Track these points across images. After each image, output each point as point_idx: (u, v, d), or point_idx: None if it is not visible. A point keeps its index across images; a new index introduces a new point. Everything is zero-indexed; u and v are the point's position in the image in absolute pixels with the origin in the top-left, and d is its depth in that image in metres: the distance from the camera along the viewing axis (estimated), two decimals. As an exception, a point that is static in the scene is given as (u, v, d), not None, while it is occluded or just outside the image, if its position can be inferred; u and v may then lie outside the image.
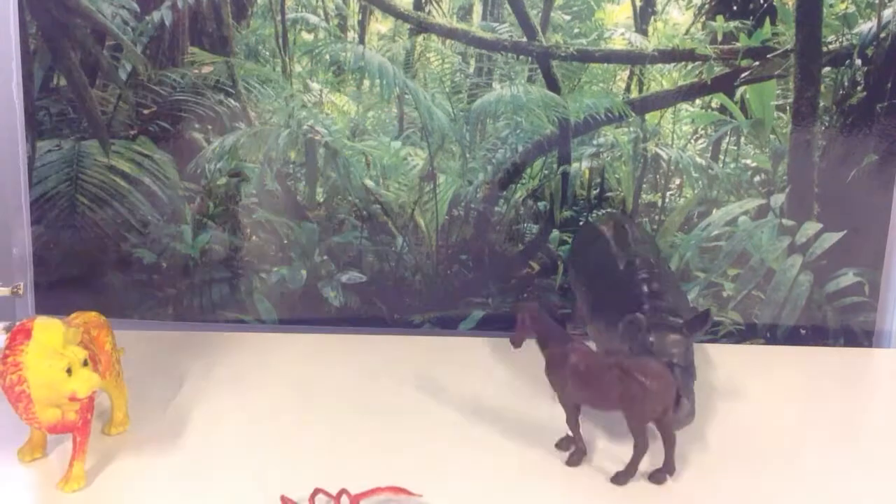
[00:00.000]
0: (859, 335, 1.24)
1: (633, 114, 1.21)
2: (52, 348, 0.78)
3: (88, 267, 1.26)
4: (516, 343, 0.91)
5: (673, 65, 1.19)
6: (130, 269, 1.27)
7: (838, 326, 1.24)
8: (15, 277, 1.27)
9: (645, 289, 0.94)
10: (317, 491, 0.80)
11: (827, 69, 1.18)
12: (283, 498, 0.80)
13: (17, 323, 0.80)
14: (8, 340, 0.79)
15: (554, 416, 0.95)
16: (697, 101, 1.20)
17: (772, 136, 1.21)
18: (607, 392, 0.84)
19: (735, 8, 1.18)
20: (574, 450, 0.89)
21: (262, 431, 0.95)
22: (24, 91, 1.22)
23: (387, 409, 1.00)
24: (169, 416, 0.98)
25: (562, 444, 0.92)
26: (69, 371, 0.78)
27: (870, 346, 1.24)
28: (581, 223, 1.24)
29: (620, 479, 0.86)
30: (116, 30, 1.21)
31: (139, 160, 1.24)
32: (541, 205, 1.24)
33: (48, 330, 0.78)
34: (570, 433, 0.89)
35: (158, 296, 1.27)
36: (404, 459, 0.89)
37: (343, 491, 0.80)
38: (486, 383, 1.07)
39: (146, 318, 1.27)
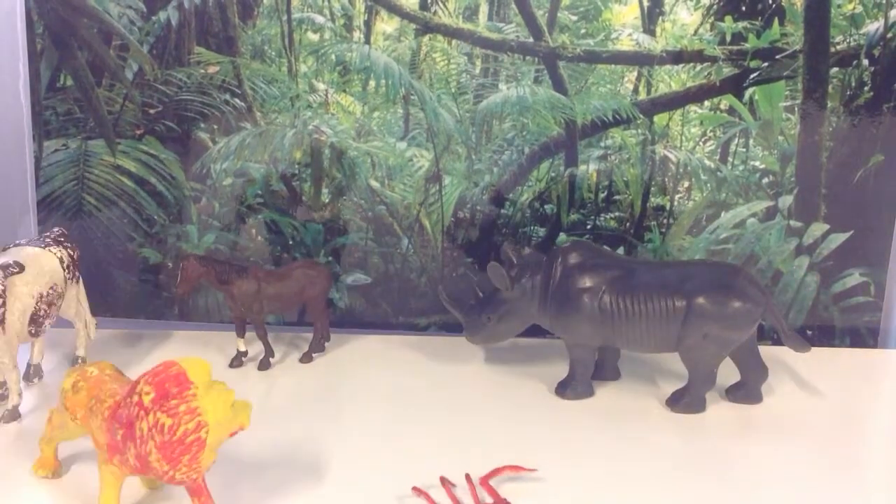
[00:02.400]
0: (865, 335, 1.24)
1: (641, 116, 1.20)
2: (216, 385, 0.73)
3: (95, 266, 1.26)
4: (180, 294, 1.07)
5: (681, 66, 1.19)
6: (136, 268, 1.27)
7: (844, 327, 1.24)
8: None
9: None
10: (443, 479, 0.84)
11: (834, 70, 1.18)
12: (414, 488, 0.83)
13: (149, 374, 0.74)
14: (156, 392, 0.72)
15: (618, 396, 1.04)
16: (706, 103, 1.20)
17: (780, 138, 1.21)
18: (295, 291, 1.11)
19: (743, 9, 1.17)
20: (263, 356, 1.12)
21: (356, 429, 0.97)
22: (30, 91, 1.22)
23: (451, 405, 1.04)
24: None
25: (234, 362, 1.12)
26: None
27: (875, 346, 1.24)
28: (588, 226, 1.24)
29: (305, 358, 1.14)
30: (123, 29, 1.21)
31: (145, 160, 1.24)
32: (548, 208, 1.24)
33: (199, 367, 0.73)
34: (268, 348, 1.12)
35: (164, 296, 1.27)
36: (496, 446, 0.93)
37: (468, 476, 0.84)
38: (525, 377, 1.11)
39: (152, 318, 1.27)
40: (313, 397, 1.05)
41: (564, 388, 1.05)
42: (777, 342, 1.25)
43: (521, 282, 1.05)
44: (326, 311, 1.16)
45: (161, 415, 0.71)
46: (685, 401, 1.02)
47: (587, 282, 1.01)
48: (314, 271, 1.13)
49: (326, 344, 1.18)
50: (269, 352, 1.13)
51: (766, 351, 1.22)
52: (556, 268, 1.03)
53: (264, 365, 1.12)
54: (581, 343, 1.03)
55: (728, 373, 1.04)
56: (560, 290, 1.02)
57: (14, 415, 0.96)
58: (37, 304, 0.97)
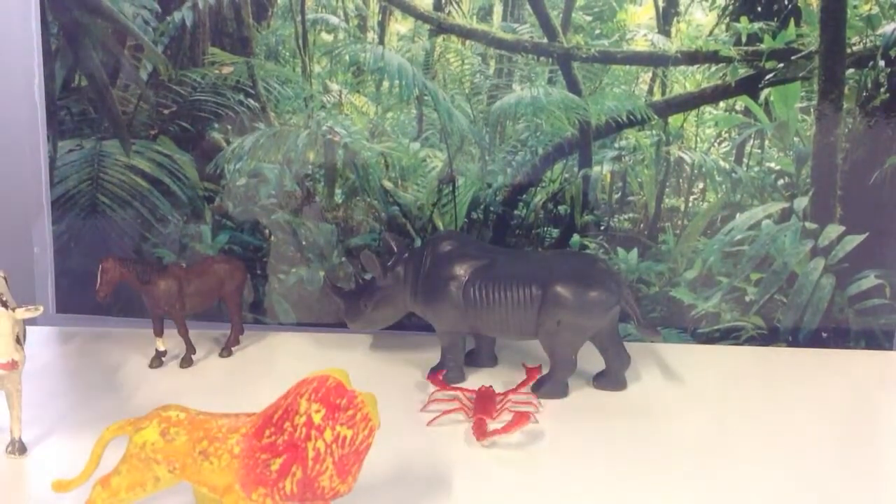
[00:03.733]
0: (880, 337, 1.24)
1: (656, 116, 1.20)
2: (361, 390, 0.73)
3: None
4: (101, 297, 1.06)
5: (696, 67, 1.18)
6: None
7: (859, 329, 1.24)
8: (36, 276, 1.28)
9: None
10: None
11: (850, 71, 1.17)
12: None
13: (306, 393, 0.72)
14: (326, 408, 0.70)
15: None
16: (721, 104, 1.19)
17: (795, 139, 1.20)
18: (214, 287, 1.12)
19: (759, 9, 1.17)
20: (185, 353, 1.13)
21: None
22: (45, 91, 1.23)
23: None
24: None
25: (154, 362, 1.12)
26: None
27: (891, 348, 1.23)
28: (602, 227, 1.23)
29: (225, 353, 1.16)
30: (137, 30, 1.21)
31: (159, 160, 1.25)
32: (561, 209, 1.24)
33: (343, 374, 0.73)
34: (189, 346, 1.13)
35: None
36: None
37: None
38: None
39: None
40: (240, 391, 1.06)
41: (436, 373, 1.06)
42: (793, 343, 1.25)
43: (394, 270, 1.09)
44: (241, 304, 1.17)
45: (340, 427, 0.70)
46: (547, 386, 1.05)
47: (453, 270, 1.05)
48: (231, 265, 1.14)
49: (242, 337, 1.19)
50: (191, 349, 1.13)
51: (781, 353, 1.22)
52: (426, 257, 1.07)
53: (186, 362, 1.13)
54: (449, 330, 1.07)
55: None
56: (428, 279, 1.06)
57: None
58: None
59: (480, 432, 0.92)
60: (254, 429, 0.72)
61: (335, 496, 0.72)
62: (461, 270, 1.05)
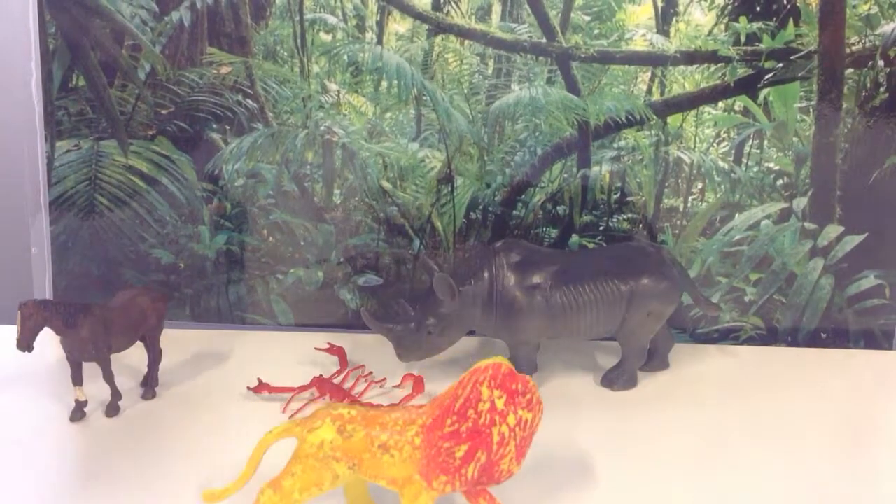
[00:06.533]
0: (879, 338, 1.23)
1: (655, 116, 1.20)
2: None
3: (107, 266, 1.27)
4: (23, 347, 0.93)
5: (695, 66, 1.18)
6: (148, 269, 1.27)
7: (859, 329, 1.24)
8: (34, 276, 1.28)
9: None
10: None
11: (849, 70, 1.17)
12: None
13: (483, 380, 0.73)
14: (506, 394, 0.73)
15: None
16: (720, 104, 1.19)
17: (794, 139, 1.20)
18: (138, 322, 1.01)
19: (758, 9, 1.16)
20: (111, 400, 1.01)
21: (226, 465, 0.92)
22: (43, 91, 1.22)
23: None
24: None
25: (75, 415, 1.00)
26: None
27: (890, 348, 1.23)
28: (601, 227, 1.23)
29: (148, 394, 1.05)
30: (135, 30, 1.21)
31: (157, 160, 1.25)
32: (560, 209, 1.23)
33: (506, 360, 0.75)
34: (112, 389, 1.02)
35: (176, 296, 1.27)
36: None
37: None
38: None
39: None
40: (169, 435, 0.96)
41: None
42: (793, 343, 1.24)
43: (462, 290, 1.03)
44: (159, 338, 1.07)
45: (522, 411, 0.73)
46: (623, 378, 1.08)
47: (533, 280, 1.03)
48: (152, 297, 1.04)
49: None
50: (117, 394, 1.02)
51: (780, 353, 1.22)
52: (498, 270, 1.04)
53: (113, 410, 1.01)
54: (529, 340, 1.06)
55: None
56: (507, 292, 1.03)
57: None
58: None
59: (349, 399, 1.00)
60: (432, 419, 0.73)
61: (508, 477, 0.75)
62: (541, 278, 1.03)
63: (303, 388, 1.03)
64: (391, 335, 1.05)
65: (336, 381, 1.06)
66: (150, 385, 1.06)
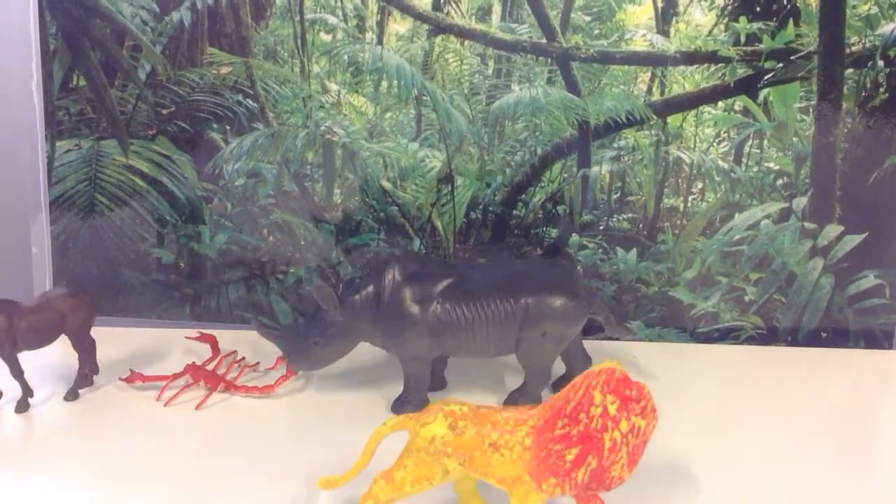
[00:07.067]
0: (879, 337, 1.24)
1: (655, 116, 1.20)
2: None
3: (107, 266, 1.27)
4: None
5: (695, 67, 1.18)
6: (148, 268, 1.27)
7: (859, 329, 1.24)
8: (35, 276, 1.28)
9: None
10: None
11: (849, 71, 1.17)
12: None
13: (597, 385, 0.73)
14: (619, 399, 0.72)
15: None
16: (720, 104, 1.19)
17: (794, 139, 1.20)
18: (53, 323, 1.00)
19: (758, 9, 1.17)
20: (21, 396, 1.01)
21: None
22: (43, 91, 1.22)
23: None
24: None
25: (68, 396, 1.03)
26: None
27: (890, 347, 1.24)
28: (601, 227, 1.23)
29: (70, 395, 1.03)
30: (136, 30, 1.21)
31: (158, 160, 1.25)
32: (560, 209, 1.23)
33: (620, 366, 0.74)
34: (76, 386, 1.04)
35: (176, 296, 1.27)
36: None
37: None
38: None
39: (164, 318, 1.27)
40: (78, 437, 0.95)
41: (402, 405, 1.01)
42: (793, 343, 1.25)
43: (350, 301, 0.99)
44: (91, 342, 1.06)
45: (635, 418, 0.72)
46: (523, 401, 1.01)
47: (421, 292, 0.97)
48: (75, 300, 1.03)
49: (96, 377, 1.08)
50: (27, 391, 1.01)
51: (780, 353, 1.22)
52: (386, 281, 0.98)
53: (22, 406, 1.01)
54: (418, 356, 0.99)
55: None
56: (393, 304, 0.97)
57: None
58: None
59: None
60: (543, 421, 0.73)
61: (619, 484, 0.74)
62: (430, 290, 0.97)
63: (176, 376, 1.05)
64: (280, 344, 1.02)
65: (210, 367, 1.08)
66: (73, 387, 1.05)
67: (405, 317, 0.97)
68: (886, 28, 1.15)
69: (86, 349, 1.05)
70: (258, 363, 1.12)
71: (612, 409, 0.71)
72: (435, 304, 0.97)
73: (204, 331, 1.15)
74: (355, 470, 0.76)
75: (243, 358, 1.12)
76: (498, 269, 1.01)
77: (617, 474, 0.73)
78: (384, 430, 0.75)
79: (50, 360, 1.12)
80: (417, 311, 0.97)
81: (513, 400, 1.02)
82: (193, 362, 1.07)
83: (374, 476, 0.74)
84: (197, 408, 1.01)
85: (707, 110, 1.20)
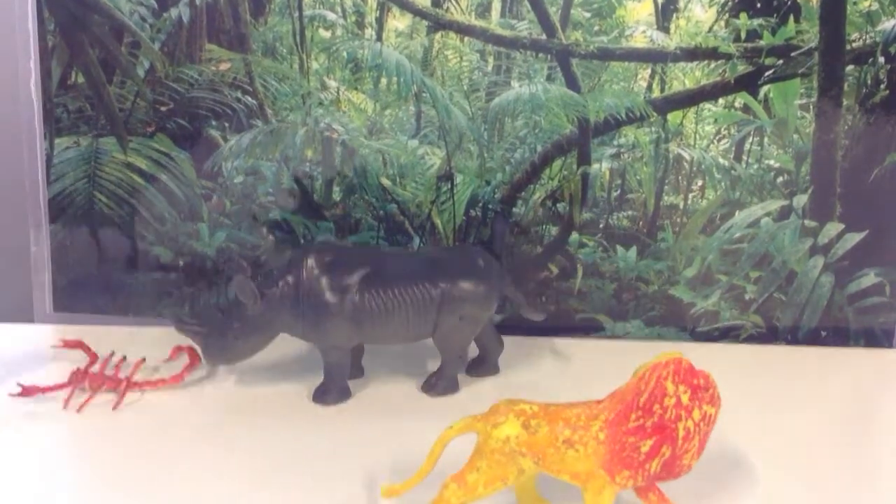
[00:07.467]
0: (880, 336, 1.23)
1: (655, 113, 1.20)
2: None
3: (106, 264, 1.27)
4: None
5: (695, 63, 1.18)
6: (147, 266, 1.27)
7: (859, 328, 1.23)
8: (34, 274, 1.28)
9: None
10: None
11: (850, 67, 1.16)
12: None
13: (666, 375, 0.74)
14: (690, 389, 0.73)
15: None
16: (720, 101, 1.19)
17: (795, 136, 1.20)
18: None
19: (759, 5, 1.16)
20: None
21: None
22: (42, 88, 1.22)
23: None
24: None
25: None
26: None
27: (890, 346, 1.23)
28: (601, 225, 1.23)
29: None
30: (134, 26, 1.20)
31: (156, 157, 1.24)
32: (560, 206, 1.23)
33: (681, 355, 0.75)
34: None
35: (175, 294, 1.27)
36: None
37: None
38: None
39: (163, 316, 1.27)
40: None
41: (324, 395, 1.03)
42: (793, 342, 1.24)
43: (268, 293, 0.99)
44: None
45: (706, 406, 0.73)
46: (441, 384, 1.05)
47: (340, 281, 0.99)
48: None
49: None
50: None
51: (780, 352, 1.22)
52: (304, 272, 0.99)
53: None
54: (338, 345, 1.01)
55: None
56: (312, 295, 0.98)
57: None
58: None
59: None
60: (614, 414, 0.73)
61: (687, 472, 0.75)
62: (349, 280, 0.99)
63: (60, 386, 1.02)
64: (196, 338, 1.02)
65: (94, 369, 1.05)
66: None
67: (325, 307, 0.98)
68: (887, 24, 1.15)
69: None
70: (144, 359, 1.08)
71: (685, 399, 0.73)
72: (353, 292, 0.99)
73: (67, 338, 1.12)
74: (420, 475, 0.76)
75: (123, 357, 1.09)
76: (413, 257, 1.06)
77: (687, 462, 0.74)
78: (451, 434, 0.76)
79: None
80: (337, 300, 0.98)
81: (430, 384, 1.06)
82: (77, 368, 1.04)
83: (444, 480, 0.74)
84: (65, 407, 1.00)
85: (707, 107, 1.19)
